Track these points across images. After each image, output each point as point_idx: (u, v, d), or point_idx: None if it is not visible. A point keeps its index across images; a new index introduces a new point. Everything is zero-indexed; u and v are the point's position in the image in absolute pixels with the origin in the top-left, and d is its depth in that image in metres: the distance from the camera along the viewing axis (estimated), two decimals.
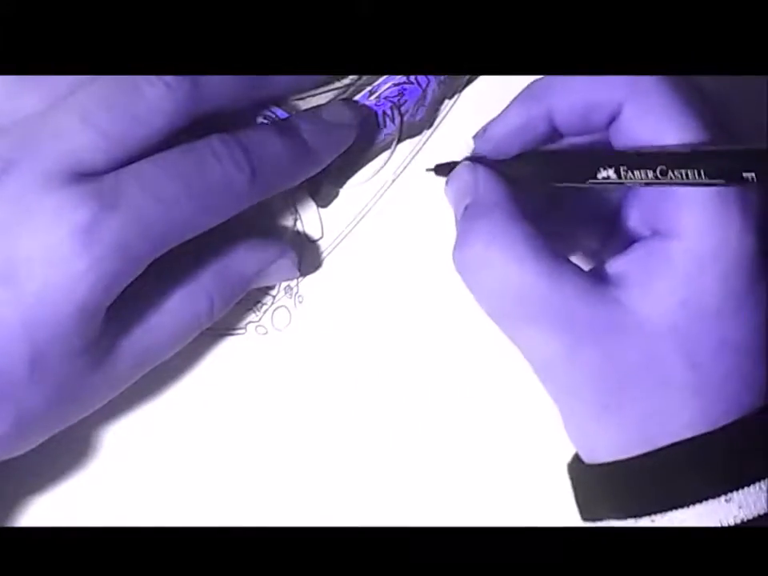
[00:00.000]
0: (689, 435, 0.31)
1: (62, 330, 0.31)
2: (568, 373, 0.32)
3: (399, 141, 0.38)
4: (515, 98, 0.33)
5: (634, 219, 0.33)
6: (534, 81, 0.33)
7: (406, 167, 0.38)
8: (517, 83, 0.37)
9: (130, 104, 0.32)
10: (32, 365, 0.32)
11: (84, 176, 0.31)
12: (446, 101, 0.38)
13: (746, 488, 0.30)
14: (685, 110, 0.31)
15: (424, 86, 0.38)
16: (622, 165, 0.31)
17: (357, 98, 0.37)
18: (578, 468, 0.33)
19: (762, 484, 0.30)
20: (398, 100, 0.38)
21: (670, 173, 0.30)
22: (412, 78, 0.37)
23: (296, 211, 0.38)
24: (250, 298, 0.38)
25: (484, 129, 0.34)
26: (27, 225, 0.31)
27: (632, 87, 0.31)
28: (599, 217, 0.35)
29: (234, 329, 0.38)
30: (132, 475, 0.38)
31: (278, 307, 0.38)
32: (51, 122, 0.32)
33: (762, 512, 0.30)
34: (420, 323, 0.38)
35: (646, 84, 0.31)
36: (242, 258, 0.36)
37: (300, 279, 0.38)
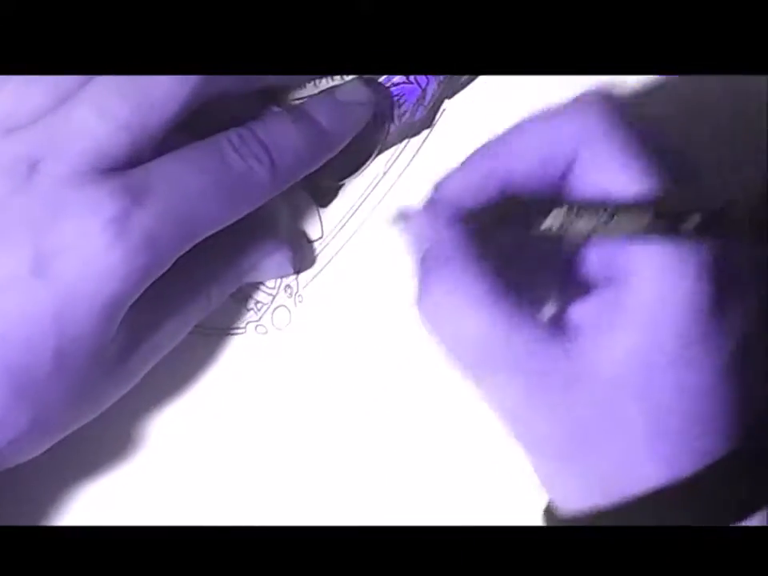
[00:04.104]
0: (654, 484, 0.30)
1: (88, 327, 0.31)
2: (527, 422, 0.32)
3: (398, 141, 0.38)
4: (470, 155, 0.33)
5: (592, 268, 0.32)
6: (489, 140, 0.33)
7: (405, 168, 0.38)
8: (516, 83, 0.37)
9: (144, 92, 0.32)
10: (56, 362, 0.31)
11: (111, 170, 0.31)
12: (446, 101, 0.38)
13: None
14: (638, 154, 0.30)
15: (423, 85, 0.38)
16: (571, 208, 0.30)
17: None
18: (549, 517, 0.33)
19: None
20: (397, 100, 0.38)
21: (615, 218, 0.29)
22: (411, 77, 0.37)
23: (295, 211, 0.38)
24: (249, 297, 0.38)
25: (439, 183, 0.33)
26: (60, 219, 0.31)
27: (584, 136, 0.31)
28: (560, 265, 0.35)
29: (234, 328, 0.38)
30: (131, 474, 0.39)
31: (277, 306, 0.38)
32: (70, 119, 0.32)
33: None
34: (419, 323, 0.38)
35: (598, 132, 0.31)
36: (236, 252, 0.36)
37: (299, 279, 0.38)
